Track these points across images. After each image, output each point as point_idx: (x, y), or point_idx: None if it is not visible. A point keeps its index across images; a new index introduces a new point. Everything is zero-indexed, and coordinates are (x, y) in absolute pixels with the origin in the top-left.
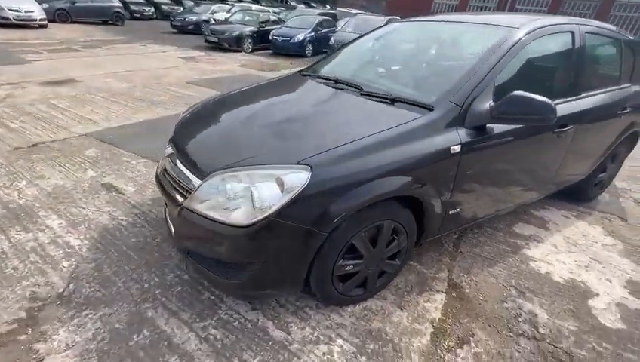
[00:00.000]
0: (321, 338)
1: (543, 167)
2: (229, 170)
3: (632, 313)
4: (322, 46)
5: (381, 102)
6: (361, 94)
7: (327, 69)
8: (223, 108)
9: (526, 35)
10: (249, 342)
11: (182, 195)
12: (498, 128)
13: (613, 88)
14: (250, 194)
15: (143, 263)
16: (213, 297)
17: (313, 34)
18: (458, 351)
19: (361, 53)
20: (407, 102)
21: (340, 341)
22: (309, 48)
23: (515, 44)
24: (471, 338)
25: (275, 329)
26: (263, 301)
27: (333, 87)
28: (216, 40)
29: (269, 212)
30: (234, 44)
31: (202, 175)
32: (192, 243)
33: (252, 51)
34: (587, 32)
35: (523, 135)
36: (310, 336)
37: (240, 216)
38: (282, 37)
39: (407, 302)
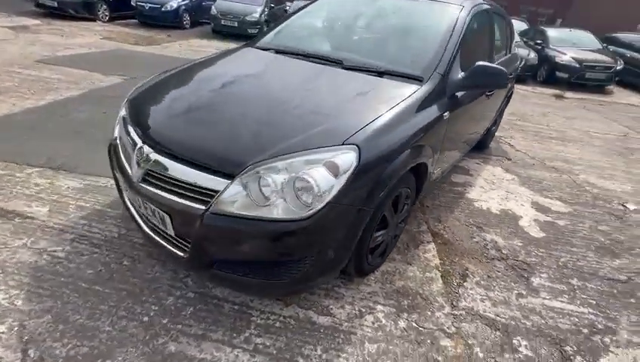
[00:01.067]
0: (363, 310)
1: (479, 124)
2: (264, 162)
3: (544, 224)
4: (201, 15)
5: (371, 75)
6: (345, 68)
7: (287, 42)
8: (198, 88)
9: (469, 12)
10: (301, 336)
11: (195, 200)
12: (459, 94)
13: (505, 56)
14: (293, 185)
15: (123, 295)
16: (236, 306)
17: (188, 1)
18: (465, 284)
19: (314, 24)
20: (395, 75)
21: (379, 307)
22: (186, 18)
23: (466, 19)
24: (467, 272)
25: (319, 316)
26: (298, 294)
27: (311, 62)
28: (55, 3)
29: (328, 198)
30: (82, 10)
31: (228, 171)
32: (225, 252)
33: (110, 20)
34: (492, 10)
35: (471, 99)
36: (353, 312)
37: (290, 209)
38: (151, 3)
39: (411, 258)
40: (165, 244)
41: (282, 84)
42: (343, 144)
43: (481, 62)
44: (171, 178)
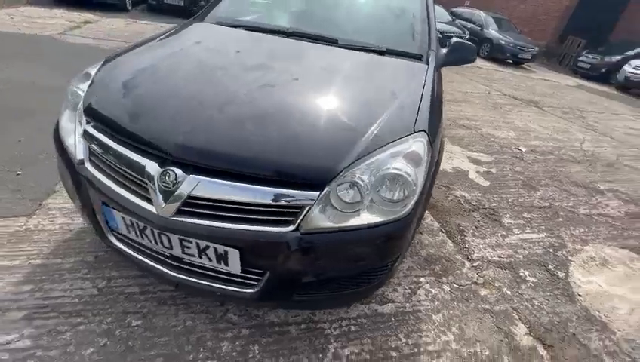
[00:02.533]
0: (412, 286)
1: None
2: (353, 165)
3: (484, 174)
4: None
5: (374, 53)
6: (342, 47)
7: (257, 20)
8: (205, 76)
9: None
10: (380, 331)
11: (273, 223)
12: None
13: None
14: (385, 182)
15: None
16: (302, 326)
17: None
18: (466, 238)
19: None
20: (397, 54)
21: (422, 279)
22: None
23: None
24: (461, 228)
25: (383, 306)
26: None
27: (301, 40)
28: None
29: (419, 189)
30: None
31: (318, 182)
32: (316, 273)
33: None
34: None
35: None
36: (406, 291)
37: (383, 210)
38: None
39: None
40: (218, 286)
41: (302, 69)
42: (415, 132)
43: (456, 39)
44: (231, 203)
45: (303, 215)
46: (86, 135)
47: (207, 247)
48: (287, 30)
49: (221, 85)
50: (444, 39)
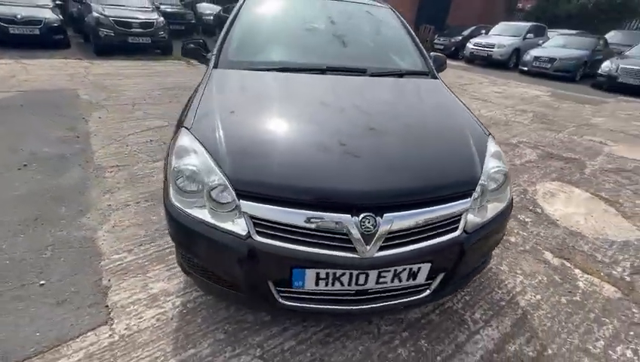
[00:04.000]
0: None
1: None
2: (483, 171)
3: None
4: None
5: (396, 77)
6: (373, 75)
7: (276, 58)
8: (313, 128)
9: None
10: (484, 291)
11: (445, 232)
12: None
13: None
14: (492, 179)
15: None
16: (437, 311)
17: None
18: None
19: (282, 32)
20: (413, 74)
21: None
22: None
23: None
24: None
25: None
26: None
27: (343, 75)
28: None
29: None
30: None
31: (467, 191)
32: (471, 262)
33: None
34: None
35: None
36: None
37: (492, 198)
38: None
39: None
40: (401, 300)
41: (375, 102)
42: (488, 135)
43: (433, 53)
44: (416, 227)
45: (464, 218)
46: (246, 209)
47: (403, 270)
48: (323, 67)
49: (335, 128)
50: None
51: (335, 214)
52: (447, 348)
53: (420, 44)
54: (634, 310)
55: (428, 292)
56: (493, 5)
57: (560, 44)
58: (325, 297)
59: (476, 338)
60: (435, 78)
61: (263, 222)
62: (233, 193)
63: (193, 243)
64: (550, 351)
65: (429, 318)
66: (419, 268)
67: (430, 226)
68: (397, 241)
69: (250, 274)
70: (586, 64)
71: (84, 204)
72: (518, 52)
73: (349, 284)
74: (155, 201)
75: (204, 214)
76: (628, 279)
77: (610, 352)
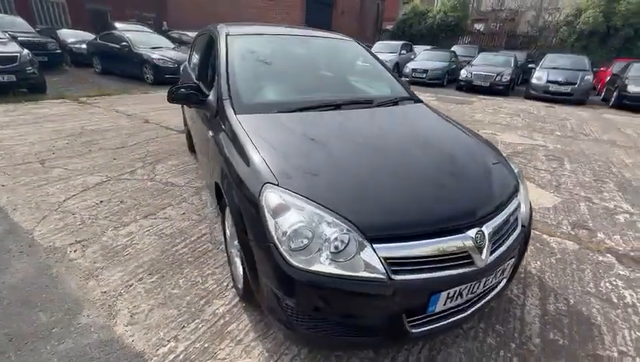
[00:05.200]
0: None
1: None
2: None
3: None
4: None
5: (393, 104)
6: (379, 105)
7: (290, 98)
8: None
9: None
10: None
11: (516, 227)
12: None
13: None
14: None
15: None
16: None
17: None
18: None
19: (280, 70)
20: (404, 99)
21: None
22: None
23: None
24: None
25: None
26: None
27: (360, 108)
28: None
29: None
30: None
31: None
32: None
33: None
34: None
35: None
36: None
37: None
38: None
39: None
40: (491, 296)
41: (407, 134)
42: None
43: (402, 78)
44: (502, 228)
45: (520, 214)
46: (382, 252)
47: (502, 269)
48: (337, 102)
49: (404, 161)
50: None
51: (454, 236)
52: (516, 324)
53: (392, 71)
54: (590, 254)
55: (505, 282)
56: (365, 26)
57: (426, 58)
58: (446, 313)
59: (527, 308)
60: (420, 101)
61: (396, 260)
62: (360, 239)
63: (324, 301)
64: (572, 301)
65: (489, 306)
66: (508, 264)
67: (508, 226)
68: (495, 247)
69: (388, 313)
70: (447, 72)
71: (68, 300)
72: (397, 66)
73: (468, 295)
74: (163, 271)
75: (329, 268)
76: (573, 233)
77: (600, 288)
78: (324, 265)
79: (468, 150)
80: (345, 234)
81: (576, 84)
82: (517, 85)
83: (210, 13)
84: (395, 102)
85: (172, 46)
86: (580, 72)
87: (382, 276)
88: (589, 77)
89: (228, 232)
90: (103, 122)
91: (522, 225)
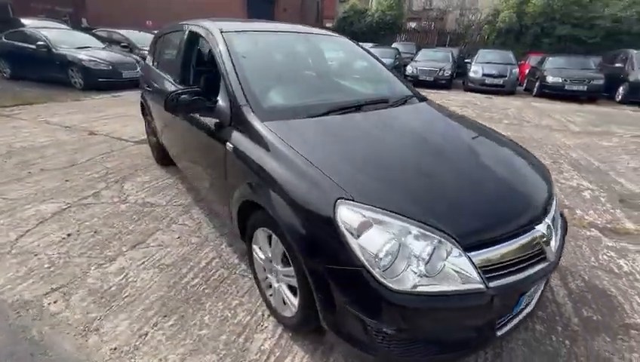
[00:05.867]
0: None
1: None
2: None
3: None
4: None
5: (404, 103)
6: (393, 104)
7: (311, 100)
8: (435, 167)
9: None
10: None
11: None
12: None
13: None
14: None
15: None
16: None
17: None
18: None
19: (289, 71)
20: (413, 97)
21: None
22: None
23: None
24: None
25: None
26: None
27: (382, 109)
28: None
29: None
30: None
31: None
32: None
33: None
34: None
35: None
36: None
37: None
38: None
39: None
40: (543, 288)
41: (439, 134)
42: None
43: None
44: (555, 218)
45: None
46: (477, 260)
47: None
48: (357, 103)
49: (455, 161)
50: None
51: (529, 232)
52: (553, 307)
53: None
54: (579, 230)
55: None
56: (306, 23)
57: None
58: (522, 308)
59: (555, 290)
60: (426, 99)
61: (488, 267)
62: (453, 249)
63: (423, 322)
64: (587, 277)
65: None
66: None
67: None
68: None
69: (485, 321)
70: (394, 68)
71: None
72: None
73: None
74: (181, 311)
75: (428, 286)
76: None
77: (601, 261)
78: (420, 284)
79: (504, 146)
80: (436, 245)
81: (506, 76)
82: (454, 79)
83: (136, 9)
84: (405, 101)
85: (102, 45)
86: (508, 65)
87: (480, 285)
88: (516, 70)
89: (260, 255)
90: (36, 137)
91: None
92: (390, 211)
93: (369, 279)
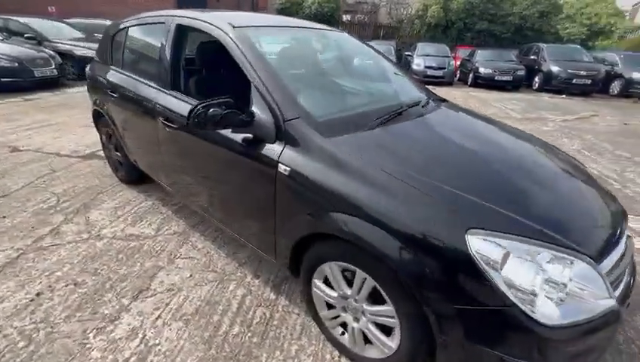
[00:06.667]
0: None
1: None
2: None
3: None
4: None
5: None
6: (423, 106)
7: (359, 108)
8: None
9: None
10: None
11: None
12: None
13: None
14: None
15: None
16: None
17: None
18: None
19: (315, 73)
20: (433, 100)
21: None
22: None
23: None
24: None
25: None
26: None
27: (421, 114)
28: None
29: None
30: None
31: None
32: None
33: None
34: None
35: None
36: None
37: None
38: None
39: None
40: None
41: (486, 139)
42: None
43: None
44: None
45: None
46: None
47: None
48: (399, 108)
49: (522, 168)
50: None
51: (622, 239)
52: None
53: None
54: None
55: None
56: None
57: None
58: None
59: None
60: (445, 100)
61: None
62: (587, 269)
63: (571, 353)
64: None
65: None
66: None
67: None
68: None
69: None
70: None
71: None
72: None
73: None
74: None
75: (575, 316)
76: None
77: None
78: (568, 313)
79: (551, 150)
80: (572, 267)
81: (445, 68)
82: None
83: None
84: (427, 103)
85: None
86: (445, 58)
87: (612, 300)
88: (452, 62)
89: (329, 292)
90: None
91: None
92: (525, 237)
93: (520, 317)
